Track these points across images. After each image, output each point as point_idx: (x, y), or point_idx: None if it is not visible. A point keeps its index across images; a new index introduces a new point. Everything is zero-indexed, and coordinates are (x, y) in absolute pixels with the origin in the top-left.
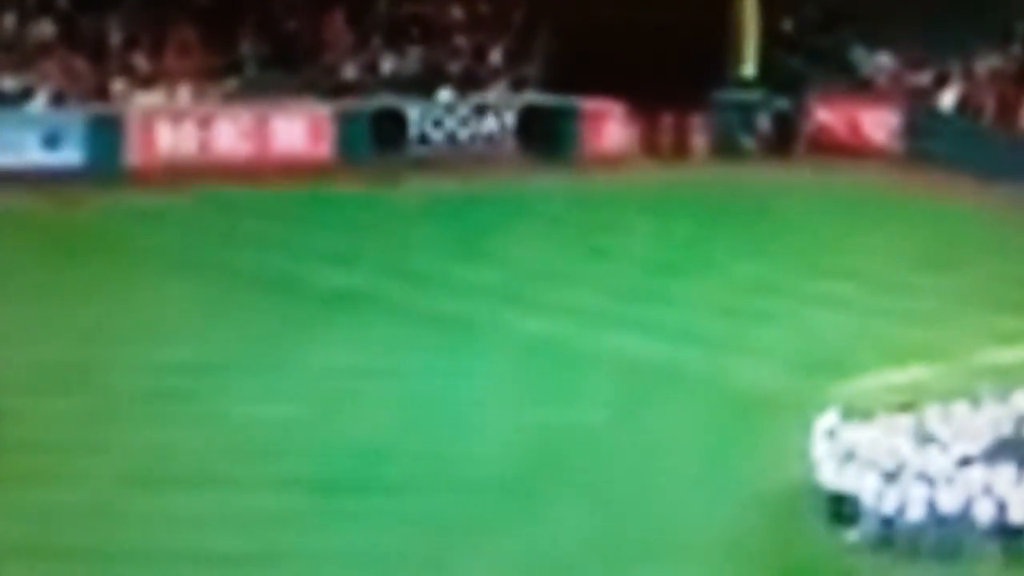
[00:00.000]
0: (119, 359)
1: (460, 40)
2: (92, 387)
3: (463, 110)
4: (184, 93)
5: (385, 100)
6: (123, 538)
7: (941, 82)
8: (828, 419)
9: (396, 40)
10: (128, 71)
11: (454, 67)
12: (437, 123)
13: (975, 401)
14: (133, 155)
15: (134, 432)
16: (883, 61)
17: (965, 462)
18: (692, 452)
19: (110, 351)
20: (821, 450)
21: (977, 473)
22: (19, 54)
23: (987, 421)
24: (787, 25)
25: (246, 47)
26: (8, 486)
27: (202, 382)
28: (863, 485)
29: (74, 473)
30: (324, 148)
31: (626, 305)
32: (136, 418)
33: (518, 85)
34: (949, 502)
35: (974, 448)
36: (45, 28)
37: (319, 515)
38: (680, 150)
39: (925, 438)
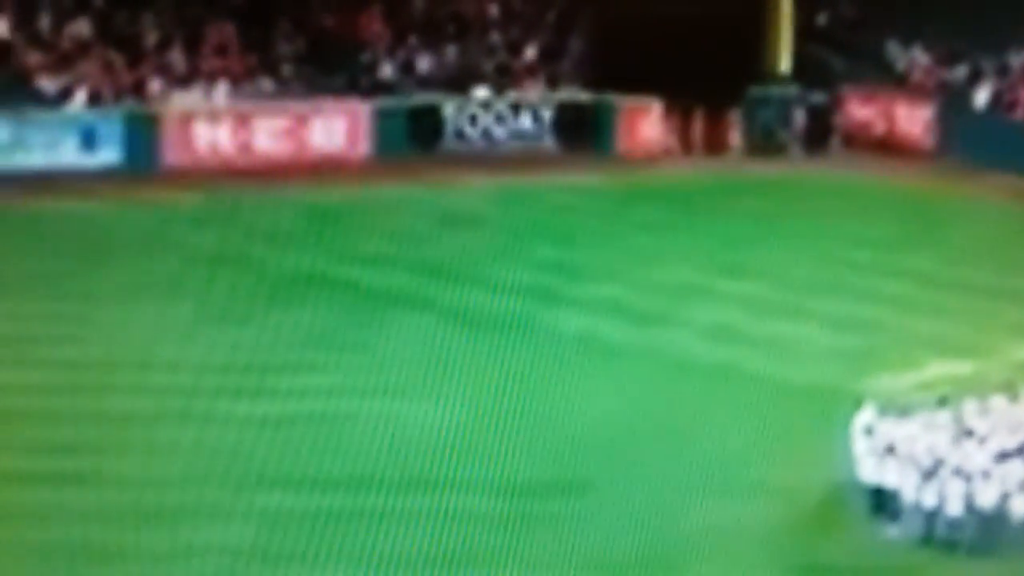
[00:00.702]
0: (158, 359)
1: (495, 37)
2: (135, 387)
3: (500, 107)
4: (221, 92)
5: (422, 98)
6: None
7: (975, 78)
8: (866, 415)
9: (433, 38)
10: (165, 70)
11: (489, 64)
12: (473, 120)
13: (1013, 396)
14: (171, 155)
15: (182, 432)
16: (917, 57)
17: (1003, 457)
18: (734, 448)
19: (150, 351)
20: (860, 446)
21: (1014, 467)
22: (56, 54)
23: None
24: (822, 20)
25: (283, 46)
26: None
27: (246, 381)
28: (902, 481)
29: (125, 474)
30: (361, 146)
31: (667, 302)
32: (182, 418)
33: (553, 82)
34: (987, 497)
35: (1012, 442)
36: (81, 27)
37: (380, 514)
38: (716, 146)
39: (963, 433)
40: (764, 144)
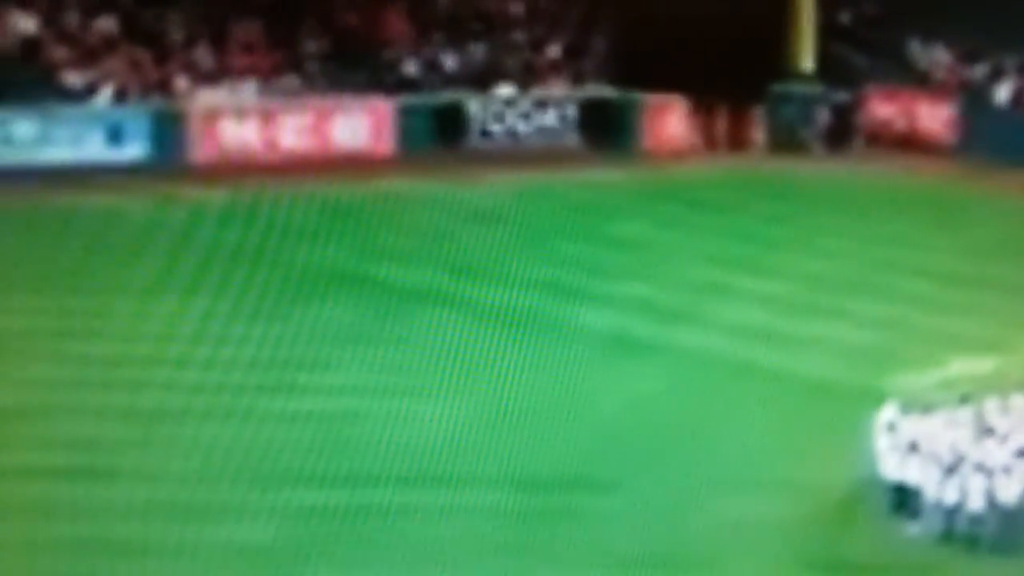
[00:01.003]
0: (189, 355)
1: (520, 35)
2: (160, 383)
3: (524, 104)
4: (247, 89)
5: (446, 95)
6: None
7: (996, 75)
8: (889, 412)
9: (457, 35)
10: (191, 67)
11: (514, 62)
12: (497, 117)
13: None
14: (197, 151)
15: (212, 428)
16: (939, 55)
17: (1023, 454)
18: (757, 444)
19: (178, 347)
20: (882, 443)
21: None
22: (83, 50)
23: None
24: (844, 19)
25: (308, 44)
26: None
27: (271, 377)
28: (923, 477)
29: (149, 470)
30: (386, 143)
31: (691, 299)
32: (207, 414)
33: (577, 79)
34: (1008, 493)
35: None
36: (108, 24)
37: (398, 509)
38: (739, 143)
39: (984, 430)
40: (787, 142)
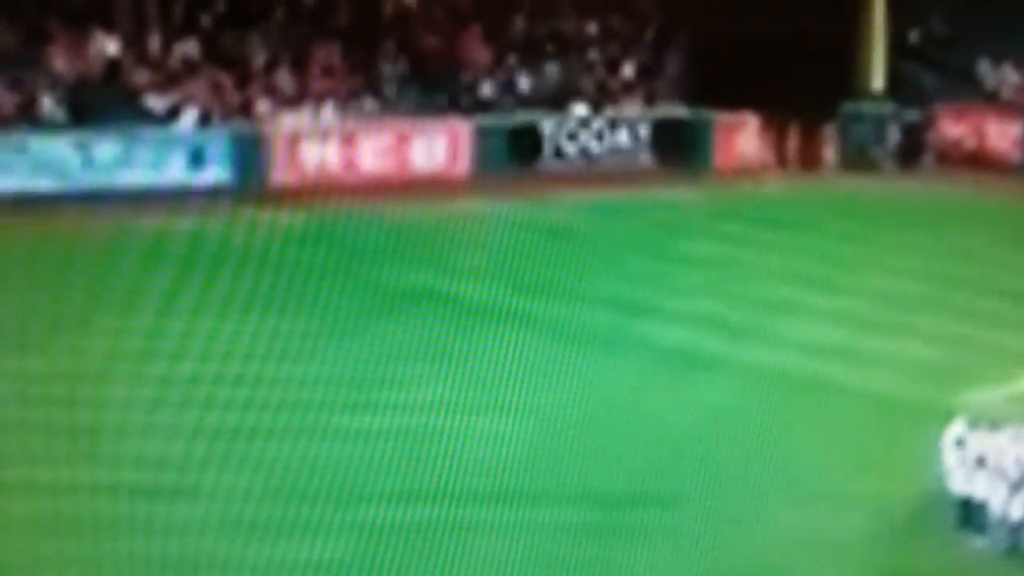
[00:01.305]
0: (262, 374)
1: (594, 55)
2: (239, 401)
3: (597, 124)
4: (327, 112)
5: (521, 116)
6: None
7: None
8: (957, 428)
9: (532, 57)
10: (272, 91)
11: (588, 82)
12: (572, 137)
13: None
14: (278, 173)
15: (287, 446)
16: (1007, 74)
17: None
18: (824, 460)
19: (256, 366)
20: (950, 458)
21: None
22: (165, 73)
23: None
24: (914, 38)
25: (386, 66)
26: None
27: (345, 394)
28: (990, 493)
29: (225, 488)
30: (462, 164)
31: (761, 316)
32: (284, 432)
33: (650, 98)
34: None
35: None
36: (190, 48)
37: (469, 525)
38: (811, 162)
39: None
40: (858, 160)
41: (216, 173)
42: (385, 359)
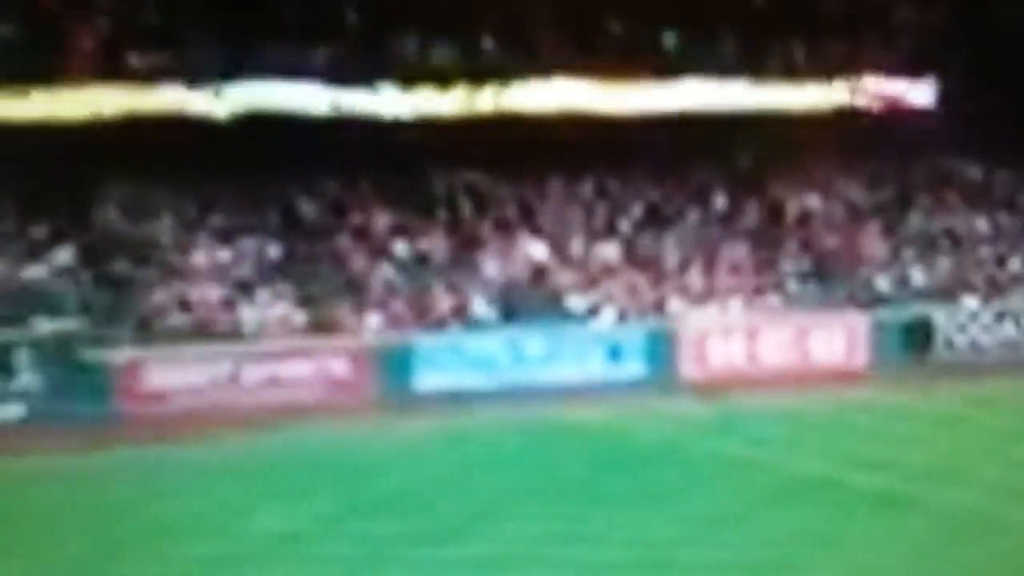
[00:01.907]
0: (672, 560)
1: (985, 250)
2: None
3: (986, 316)
4: (734, 309)
5: (915, 309)
6: None
7: None
8: None
9: (926, 252)
10: (684, 289)
11: (978, 276)
12: (962, 329)
13: None
14: (688, 368)
15: None
16: None
17: None
18: None
19: (665, 553)
20: None
21: None
22: (586, 275)
23: None
24: None
25: (789, 263)
26: None
27: None
28: None
29: None
30: (859, 357)
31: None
32: None
33: None
34: None
35: None
36: (609, 251)
37: None
38: None
39: None
40: None
41: (632, 368)
42: (780, 544)
